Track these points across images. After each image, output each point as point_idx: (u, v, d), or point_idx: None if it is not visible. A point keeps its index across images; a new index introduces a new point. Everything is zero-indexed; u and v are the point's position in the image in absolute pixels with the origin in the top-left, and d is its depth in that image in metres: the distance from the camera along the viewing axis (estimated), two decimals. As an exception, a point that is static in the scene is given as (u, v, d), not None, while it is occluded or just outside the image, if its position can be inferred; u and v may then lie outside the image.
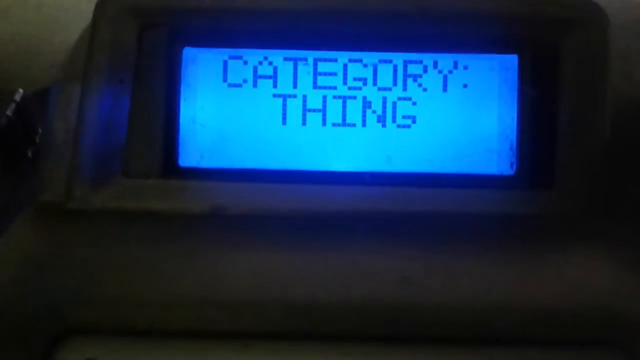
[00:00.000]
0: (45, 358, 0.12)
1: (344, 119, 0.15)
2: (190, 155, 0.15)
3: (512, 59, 0.15)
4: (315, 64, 0.15)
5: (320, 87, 0.15)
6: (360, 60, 0.15)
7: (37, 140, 0.18)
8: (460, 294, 0.12)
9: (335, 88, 0.15)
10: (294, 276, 0.13)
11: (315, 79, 0.15)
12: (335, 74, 0.15)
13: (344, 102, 0.15)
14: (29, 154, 0.18)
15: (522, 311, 0.12)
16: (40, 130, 0.18)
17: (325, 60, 0.15)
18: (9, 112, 0.17)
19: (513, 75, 0.15)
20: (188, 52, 0.15)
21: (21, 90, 0.18)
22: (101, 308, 0.12)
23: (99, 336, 0.12)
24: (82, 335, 0.12)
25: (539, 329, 0.12)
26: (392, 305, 0.12)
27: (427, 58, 0.15)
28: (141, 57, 0.15)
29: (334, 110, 0.15)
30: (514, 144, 0.15)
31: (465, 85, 0.15)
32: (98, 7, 0.15)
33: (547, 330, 0.12)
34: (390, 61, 0.15)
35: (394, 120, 0.15)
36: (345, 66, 0.15)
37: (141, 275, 0.13)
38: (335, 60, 0.15)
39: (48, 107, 0.19)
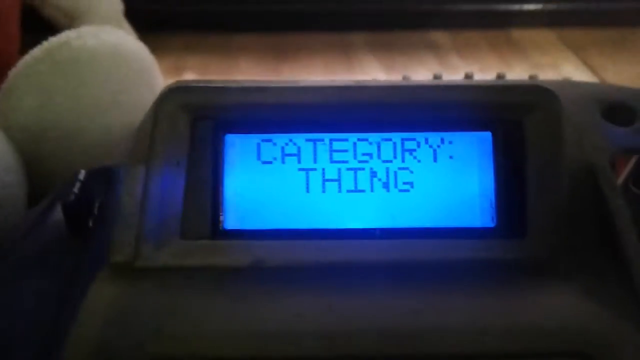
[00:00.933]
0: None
1: (355, 186, 0.18)
2: (233, 219, 0.18)
3: (487, 135, 0.19)
4: (330, 144, 0.19)
5: (335, 162, 0.19)
6: (367, 140, 0.19)
7: (96, 212, 0.22)
8: (453, 319, 0.16)
9: (347, 162, 0.18)
10: (324, 312, 0.16)
11: (331, 155, 0.19)
12: (347, 150, 0.19)
13: (355, 173, 0.19)
14: (90, 223, 0.21)
15: (503, 331, 0.15)
16: (97, 203, 0.22)
17: (339, 140, 0.19)
18: (75, 190, 0.20)
19: (488, 148, 0.19)
20: (229, 138, 0.19)
21: (83, 171, 0.21)
22: (174, 343, 0.15)
23: (177, 365, 0.15)
24: (165, 364, 0.15)
25: (518, 345, 0.15)
26: (403, 331, 0.16)
27: (420, 136, 0.19)
28: (193, 143, 0.18)
29: (347, 179, 0.18)
30: (493, 202, 0.18)
31: (451, 157, 0.19)
32: (158, 105, 0.18)
33: (524, 345, 0.15)
34: (391, 139, 0.19)
35: (395, 186, 0.18)
36: (354, 144, 0.19)
37: (200, 316, 0.16)
38: (347, 140, 0.19)
39: (105, 183, 0.22)
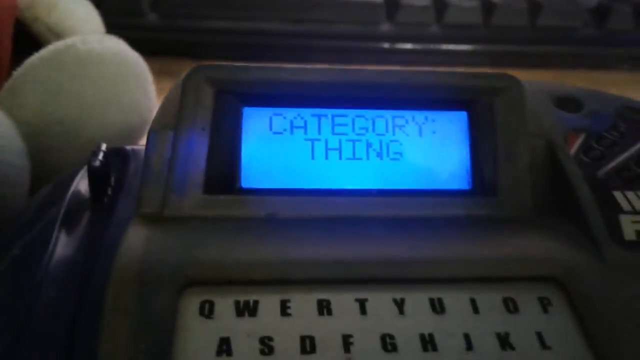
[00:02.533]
0: (177, 300, 0.17)
1: (354, 155, 0.21)
2: (249, 179, 0.21)
3: (463, 114, 0.22)
4: (333, 118, 0.22)
5: (337, 134, 0.22)
6: (364, 116, 0.22)
7: (112, 184, 0.24)
8: (442, 251, 0.19)
9: (347, 134, 0.22)
10: (335, 247, 0.19)
11: (333, 128, 0.22)
12: (346, 124, 0.22)
13: (354, 144, 0.22)
14: (109, 191, 0.23)
15: (484, 260, 0.18)
16: (112, 177, 0.24)
17: (340, 115, 0.22)
18: (101, 157, 0.23)
19: (464, 125, 0.22)
20: (246, 111, 0.21)
21: (104, 144, 0.24)
22: (209, 268, 0.18)
23: (211, 286, 0.17)
24: (199, 286, 0.17)
25: (496, 270, 0.18)
26: (401, 259, 0.18)
27: (408, 114, 0.22)
28: (215, 113, 0.21)
29: (347, 149, 0.21)
30: (469, 169, 0.22)
31: (434, 132, 0.22)
32: (186, 79, 0.21)
33: (501, 271, 0.18)
34: (383, 116, 0.22)
35: (387, 155, 0.21)
36: (353, 120, 0.22)
37: (229, 248, 0.18)
38: (347, 115, 0.22)
39: (119, 161, 0.25)
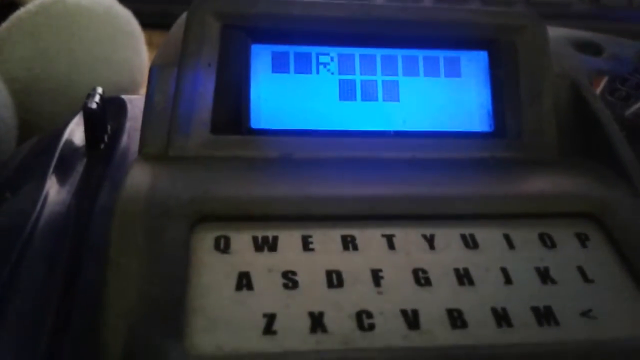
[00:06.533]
0: (189, 235, 0.15)
1: (370, 95, 0.20)
2: (258, 120, 0.19)
3: (484, 54, 0.21)
4: (349, 57, 0.20)
5: (353, 73, 0.20)
6: (381, 55, 0.20)
7: (109, 132, 0.22)
8: (461, 190, 0.17)
9: (363, 74, 0.20)
10: (355, 184, 0.17)
11: (349, 67, 0.20)
12: (364, 63, 0.20)
13: (371, 84, 0.20)
14: (105, 139, 0.22)
15: (519, 196, 0.17)
16: (109, 125, 0.23)
17: (356, 54, 0.20)
18: (97, 100, 0.21)
19: (485, 65, 0.21)
20: (255, 48, 0.20)
21: (100, 88, 0.22)
22: (221, 203, 0.16)
23: (225, 221, 0.16)
24: (213, 221, 0.16)
25: (528, 206, 0.17)
26: (418, 196, 0.17)
27: (426, 53, 0.20)
28: (222, 48, 0.20)
29: (364, 89, 0.20)
30: (490, 110, 0.21)
31: (453, 72, 0.20)
32: (191, 12, 0.20)
33: (538, 207, 0.17)
34: (401, 55, 0.20)
35: (404, 96, 0.20)
36: (370, 58, 0.20)
37: (242, 184, 0.17)
38: (363, 54, 0.20)
39: (115, 111, 0.23)
